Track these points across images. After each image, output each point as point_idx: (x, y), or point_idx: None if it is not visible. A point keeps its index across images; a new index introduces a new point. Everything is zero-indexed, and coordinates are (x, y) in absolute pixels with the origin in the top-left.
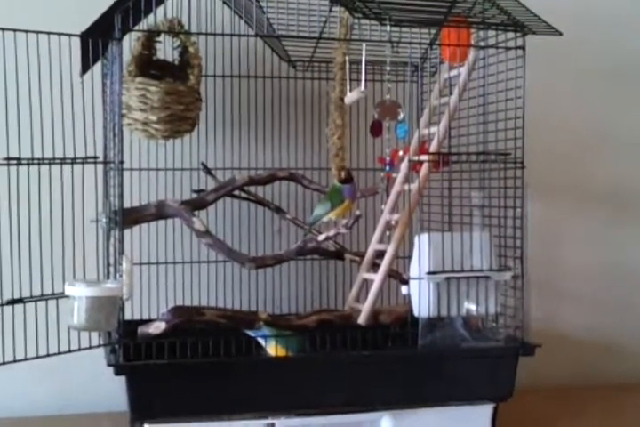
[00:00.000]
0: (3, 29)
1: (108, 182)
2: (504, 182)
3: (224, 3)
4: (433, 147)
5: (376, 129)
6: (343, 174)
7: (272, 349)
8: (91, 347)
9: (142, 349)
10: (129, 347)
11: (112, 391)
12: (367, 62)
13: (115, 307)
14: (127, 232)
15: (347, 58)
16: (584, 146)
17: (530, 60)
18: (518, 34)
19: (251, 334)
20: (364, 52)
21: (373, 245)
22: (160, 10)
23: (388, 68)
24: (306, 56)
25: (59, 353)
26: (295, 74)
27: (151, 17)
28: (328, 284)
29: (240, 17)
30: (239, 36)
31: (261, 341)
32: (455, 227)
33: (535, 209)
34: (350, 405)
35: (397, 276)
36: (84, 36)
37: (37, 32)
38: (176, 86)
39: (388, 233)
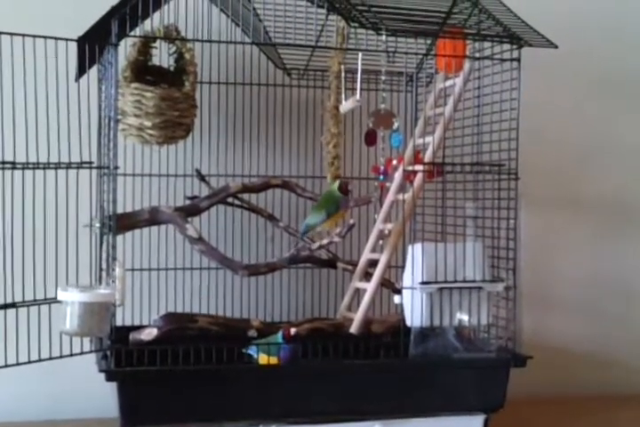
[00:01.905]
0: (0, 33)
1: (102, 188)
2: (498, 193)
3: (221, 10)
4: (427, 157)
5: (370, 138)
6: (350, 187)
7: (263, 360)
8: (82, 353)
9: (134, 355)
10: (120, 353)
11: (103, 397)
12: (362, 71)
13: (107, 313)
14: (120, 238)
15: (342, 67)
16: (577, 157)
17: (525, 72)
18: (514, 46)
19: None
20: (359, 62)
21: (366, 255)
22: (157, 16)
23: (384, 78)
24: (301, 64)
25: (50, 358)
26: (290, 82)
27: (147, 23)
28: (320, 292)
29: (236, 24)
30: (235, 43)
31: (253, 354)
32: (448, 237)
33: (528, 220)
34: (341, 414)
35: (390, 285)
36: (81, 41)
37: (34, 36)
38: (171, 92)
39: (381, 242)
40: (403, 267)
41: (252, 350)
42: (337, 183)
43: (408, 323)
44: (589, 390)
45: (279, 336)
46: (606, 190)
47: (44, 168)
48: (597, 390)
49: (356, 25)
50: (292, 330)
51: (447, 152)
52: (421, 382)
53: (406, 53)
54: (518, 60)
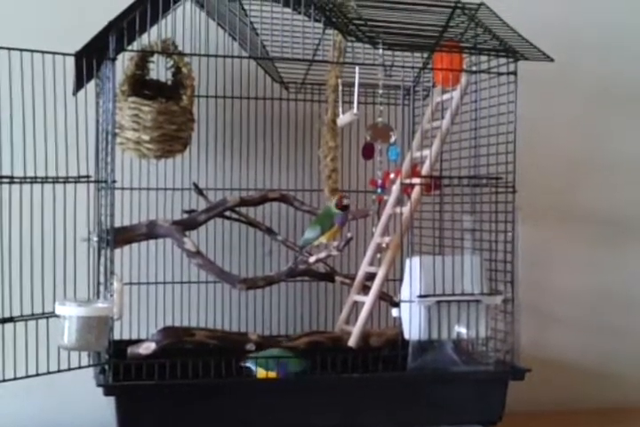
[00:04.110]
0: None
1: (100, 202)
2: (495, 206)
3: (218, 24)
4: (425, 170)
5: (368, 151)
6: (345, 201)
7: (262, 374)
8: (80, 367)
9: (132, 369)
10: (119, 367)
11: (101, 412)
12: (360, 85)
13: (105, 327)
14: (118, 252)
15: (339, 80)
16: (574, 170)
17: (522, 86)
18: (510, 59)
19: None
20: (356, 75)
21: (364, 268)
22: (154, 30)
23: (381, 91)
24: (298, 78)
25: (48, 373)
26: (288, 96)
27: (145, 37)
28: (318, 306)
29: (234, 38)
30: (232, 57)
31: (252, 366)
32: (446, 250)
33: (526, 233)
34: None
35: (388, 298)
36: (79, 56)
37: (32, 51)
38: (169, 106)
39: (378, 256)
40: (400, 280)
41: (250, 363)
42: (334, 199)
43: (406, 336)
44: (588, 403)
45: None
46: (604, 203)
47: (41, 182)
48: (597, 404)
49: (353, 39)
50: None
51: (444, 165)
52: (420, 395)
53: (403, 67)
54: (515, 73)
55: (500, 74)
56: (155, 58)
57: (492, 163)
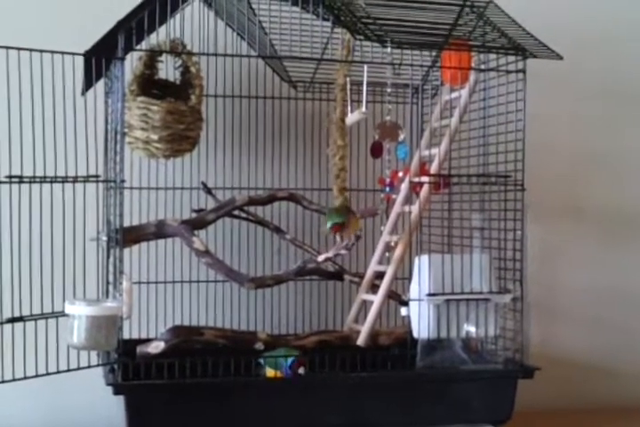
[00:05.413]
0: (7, 48)
1: (109, 201)
2: (504, 204)
3: (227, 24)
4: (433, 168)
5: (376, 150)
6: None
7: (270, 373)
8: (90, 366)
9: (141, 368)
10: (128, 366)
11: (110, 411)
12: (368, 84)
13: (114, 326)
14: (127, 251)
15: (348, 79)
16: (583, 168)
17: (530, 83)
18: (519, 57)
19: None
20: (365, 74)
21: (373, 267)
22: (163, 30)
23: (389, 90)
24: (307, 77)
25: (58, 372)
26: (296, 95)
27: (153, 37)
28: (327, 305)
29: (242, 38)
30: (241, 56)
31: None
32: (455, 249)
33: (535, 231)
34: (348, 426)
35: (397, 297)
36: (88, 55)
37: (41, 51)
38: (177, 106)
39: (387, 254)
40: (409, 279)
41: (263, 361)
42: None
43: (415, 335)
44: (598, 401)
45: (287, 365)
46: (614, 200)
47: (50, 182)
48: (606, 402)
49: (362, 37)
50: (301, 370)
51: (453, 164)
52: (429, 394)
53: (412, 65)
54: (524, 71)
55: (508, 72)
56: (163, 57)
57: (501, 161)
